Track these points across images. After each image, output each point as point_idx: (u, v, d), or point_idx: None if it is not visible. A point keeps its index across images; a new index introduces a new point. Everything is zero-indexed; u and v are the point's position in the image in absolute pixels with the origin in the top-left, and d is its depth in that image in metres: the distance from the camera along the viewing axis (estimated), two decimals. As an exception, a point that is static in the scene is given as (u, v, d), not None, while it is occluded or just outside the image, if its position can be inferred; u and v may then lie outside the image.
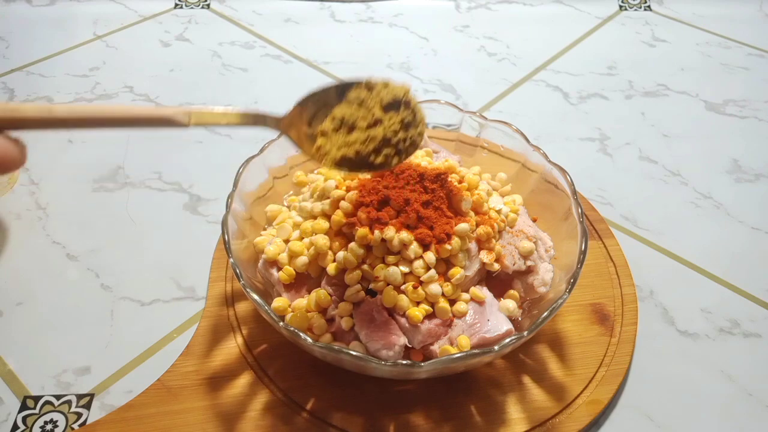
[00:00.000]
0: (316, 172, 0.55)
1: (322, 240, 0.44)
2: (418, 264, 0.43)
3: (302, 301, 0.45)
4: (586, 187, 0.65)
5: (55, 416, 0.46)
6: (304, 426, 0.44)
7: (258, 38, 0.89)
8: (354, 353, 0.39)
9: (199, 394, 0.46)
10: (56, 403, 0.47)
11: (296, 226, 0.48)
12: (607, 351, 0.49)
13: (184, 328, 0.52)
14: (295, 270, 0.46)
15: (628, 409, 0.47)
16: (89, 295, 0.54)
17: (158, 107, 0.33)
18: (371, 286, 0.43)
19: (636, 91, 0.80)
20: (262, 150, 0.52)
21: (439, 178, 0.47)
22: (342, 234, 0.46)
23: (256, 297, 0.41)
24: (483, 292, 0.45)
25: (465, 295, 0.44)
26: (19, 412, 0.46)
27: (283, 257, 0.46)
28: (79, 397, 0.47)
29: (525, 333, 0.40)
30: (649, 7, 0.97)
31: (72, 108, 0.29)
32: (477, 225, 0.46)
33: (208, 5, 0.95)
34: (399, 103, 0.38)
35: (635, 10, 0.97)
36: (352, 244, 0.43)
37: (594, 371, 0.47)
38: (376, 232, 0.43)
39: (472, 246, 0.45)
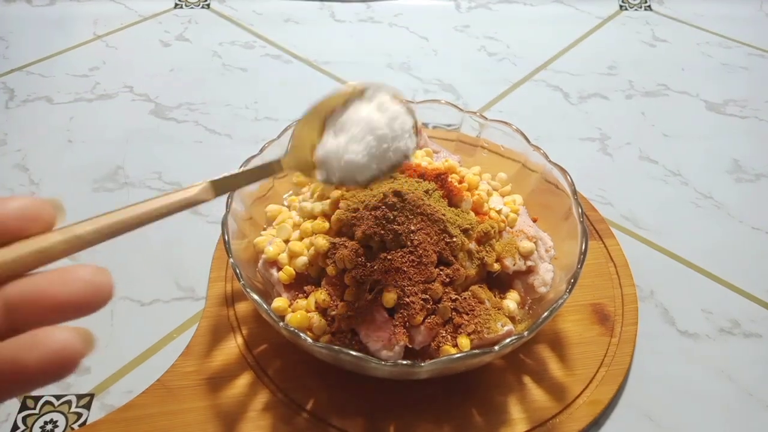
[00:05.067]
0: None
1: (322, 240, 0.44)
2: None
3: (302, 302, 0.45)
4: (586, 187, 0.65)
5: (55, 416, 0.46)
6: (304, 426, 0.44)
7: (258, 38, 0.89)
8: (354, 353, 0.39)
9: (199, 394, 0.46)
10: (56, 403, 0.46)
11: (296, 226, 0.48)
12: (607, 351, 0.49)
13: (184, 328, 0.52)
14: (295, 270, 0.46)
15: (628, 409, 0.47)
16: (89, 295, 0.54)
17: (180, 192, 0.31)
18: (372, 285, 0.43)
19: (636, 90, 0.80)
20: (261, 150, 0.52)
21: (440, 178, 0.47)
22: (342, 234, 0.45)
23: (256, 297, 0.41)
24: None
25: (465, 294, 0.44)
26: (19, 412, 0.46)
27: (283, 257, 0.46)
28: (79, 397, 0.47)
29: (525, 333, 0.40)
30: (649, 6, 0.97)
31: (97, 225, 0.26)
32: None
33: (208, 5, 0.95)
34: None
35: (636, 9, 0.97)
36: (353, 244, 0.43)
37: (594, 371, 0.47)
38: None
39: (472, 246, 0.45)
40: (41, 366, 0.21)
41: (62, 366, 0.21)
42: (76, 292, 0.22)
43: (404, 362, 0.40)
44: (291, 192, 0.55)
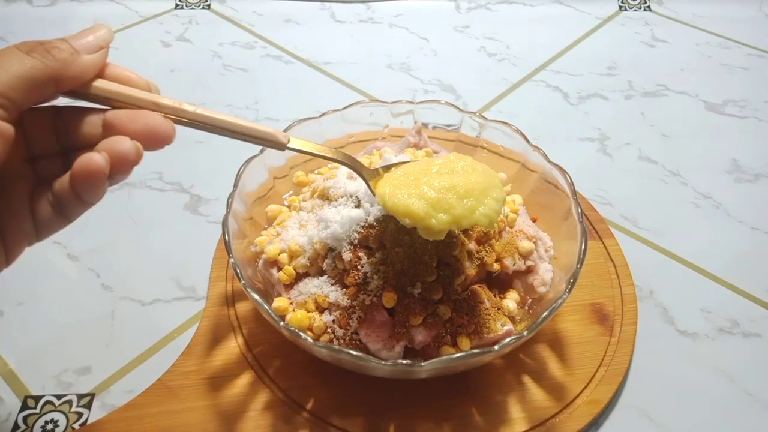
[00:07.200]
0: (316, 171, 0.55)
1: (321, 242, 0.45)
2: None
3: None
4: (585, 187, 0.65)
5: (56, 416, 0.46)
6: (304, 425, 0.44)
7: (258, 39, 0.89)
8: (354, 353, 0.39)
9: (200, 393, 0.46)
10: (57, 402, 0.47)
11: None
12: (606, 351, 0.49)
13: (185, 327, 0.52)
14: (295, 270, 0.46)
15: (627, 408, 0.47)
16: (90, 295, 0.54)
17: (261, 126, 0.36)
18: (371, 285, 0.43)
19: (636, 91, 0.80)
20: (262, 150, 0.52)
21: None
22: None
23: (256, 297, 0.41)
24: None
25: (465, 294, 0.44)
26: (20, 411, 0.46)
27: (284, 257, 0.46)
28: (80, 396, 0.47)
29: (525, 333, 0.40)
30: (648, 7, 0.97)
31: (198, 110, 0.35)
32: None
33: (209, 6, 0.95)
34: None
35: (635, 10, 0.97)
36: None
37: (594, 371, 0.47)
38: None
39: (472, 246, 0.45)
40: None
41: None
42: (138, 129, 0.31)
43: (404, 362, 0.40)
44: (291, 192, 0.55)
